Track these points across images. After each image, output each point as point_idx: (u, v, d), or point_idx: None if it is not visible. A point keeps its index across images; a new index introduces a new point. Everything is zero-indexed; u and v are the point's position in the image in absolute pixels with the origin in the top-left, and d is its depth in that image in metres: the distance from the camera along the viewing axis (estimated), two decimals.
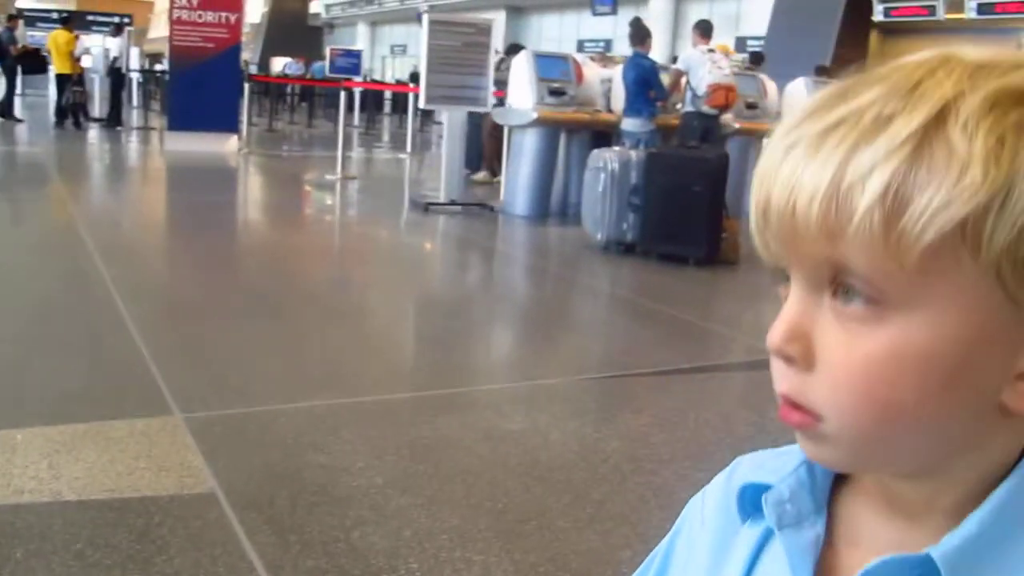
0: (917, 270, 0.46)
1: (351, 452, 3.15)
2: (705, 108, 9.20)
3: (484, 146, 11.82)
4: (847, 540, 0.57)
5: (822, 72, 12.79)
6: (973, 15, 17.77)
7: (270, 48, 37.14)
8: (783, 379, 0.52)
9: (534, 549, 2.62)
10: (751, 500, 0.60)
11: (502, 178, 9.76)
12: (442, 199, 9.23)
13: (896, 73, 0.49)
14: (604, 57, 16.89)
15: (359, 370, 4.20)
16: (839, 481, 0.58)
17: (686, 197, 7.08)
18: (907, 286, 0.47)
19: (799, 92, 11.05)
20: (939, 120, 0.46)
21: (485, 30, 9.34)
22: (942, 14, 18.16)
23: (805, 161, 0.48)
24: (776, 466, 0.60)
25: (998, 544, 0.49)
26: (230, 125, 13.41)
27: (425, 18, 9.24)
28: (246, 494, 2.79)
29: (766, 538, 0.60)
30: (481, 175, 11.80)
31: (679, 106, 9.68)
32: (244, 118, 14.04)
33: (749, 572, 0.60)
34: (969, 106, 0.46)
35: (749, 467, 0.63)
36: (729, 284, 6.92)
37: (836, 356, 0.49)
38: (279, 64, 32.17)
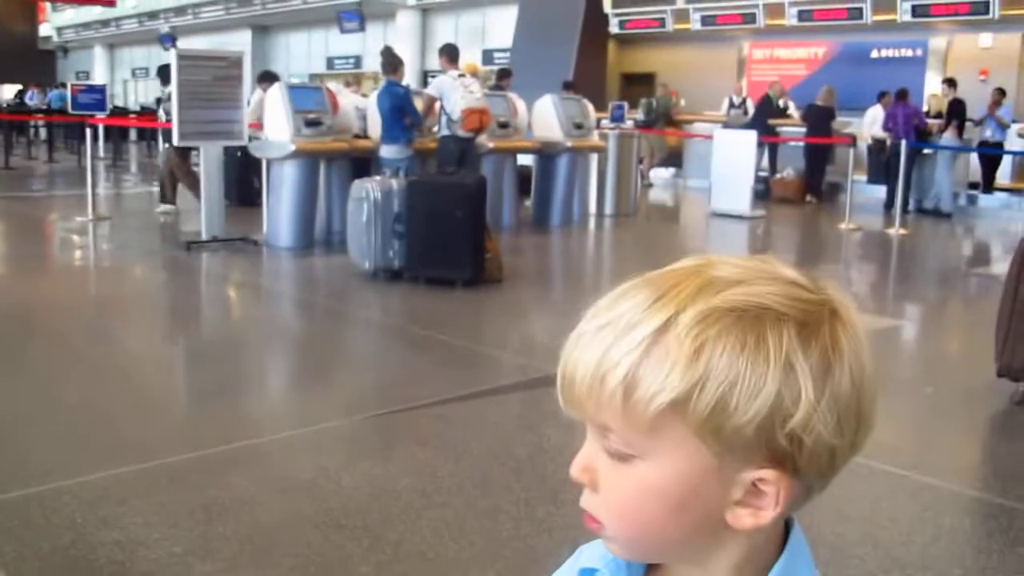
0: (649, 431, 0.67)
1: (144, 523, 3.15)
2: (460, 132, 9.53)
3: (167, 180, 11.61)
4: None
5: (568, 88, 13.47)
6: (698, 26, 19.13)
7: None
8: (583, 497, 0.73)
9: None
10: None
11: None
12: (203, 236, 9.06)
13: (657, 281, 0.70)
14: (356, 78, 17.00)
15: (139, 433, 4.15)
16: (651, 567, 0.78)
17: (448, 221, 7.34)
18: (645, 442, 0.68)
19: (547, 109, 11.62)
20: (665, 328, 0.66)
21: (236, 63, 9.25)
22: (671, 26, 19.42)
23: (585, 350, 0.70)
24: (605, 553, 0.79)
25: None
26: None
27: (173, 53, 9.05)
28: None
29: None
30: (166, 207, 11.61)
31: (435, 129, 9.98)
32: None
33: None
34: (686, 319, 0.66)
35: (587, 555, 0.83)
36: (495, 303, 7.23)
37: (608, 486, 0.71)
38: (9, 92, 30.09)
